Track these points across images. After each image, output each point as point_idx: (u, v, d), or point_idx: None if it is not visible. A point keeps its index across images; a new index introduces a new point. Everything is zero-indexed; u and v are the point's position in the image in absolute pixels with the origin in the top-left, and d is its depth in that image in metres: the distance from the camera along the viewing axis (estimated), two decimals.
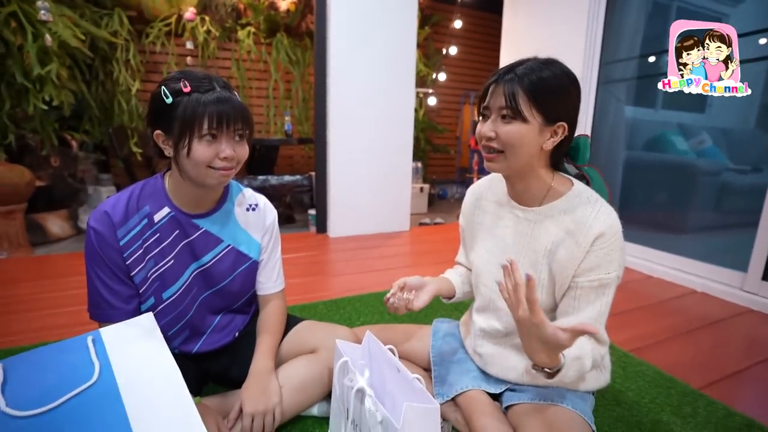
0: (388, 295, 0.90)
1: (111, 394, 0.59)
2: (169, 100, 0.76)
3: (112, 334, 0.69)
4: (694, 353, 1.34)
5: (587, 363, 0.72)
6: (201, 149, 0.77)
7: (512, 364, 0.87)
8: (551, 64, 0.74)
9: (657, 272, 2.12)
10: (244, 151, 0.83)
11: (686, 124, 2.62)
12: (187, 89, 0.76)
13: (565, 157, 0.84)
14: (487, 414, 0.83)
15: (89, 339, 0.66)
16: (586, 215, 0.75)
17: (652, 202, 2.65)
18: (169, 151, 0.81)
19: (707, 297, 1.85)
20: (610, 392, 1.07)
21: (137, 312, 0.87)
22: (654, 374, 1.18)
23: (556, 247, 0.77)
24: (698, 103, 2.63)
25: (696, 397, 1.08)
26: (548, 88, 0.71)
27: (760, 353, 1.35)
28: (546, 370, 0.69)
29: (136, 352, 0.67)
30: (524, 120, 0.72)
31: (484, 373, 0.93)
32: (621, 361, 1.23)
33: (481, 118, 0.80)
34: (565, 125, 0.74)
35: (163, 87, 0.77)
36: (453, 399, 0.91)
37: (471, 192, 0.98)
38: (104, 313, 0.84)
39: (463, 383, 0.91)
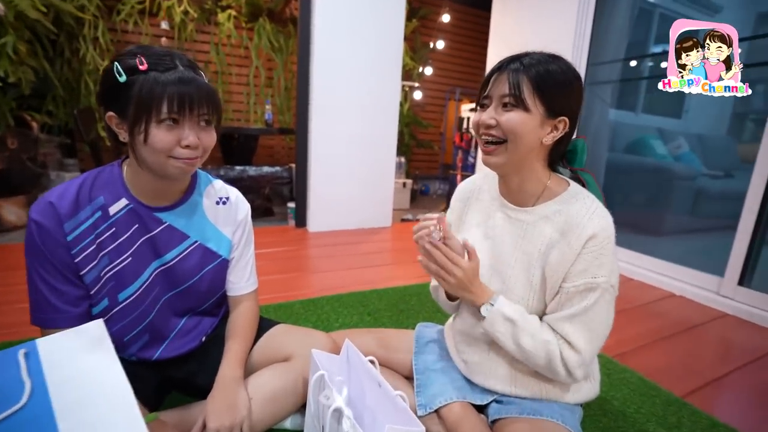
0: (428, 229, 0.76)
1: (44, 419, 0.50)
2: (123, 78, 0.67)
3: (50, 345, 0.59)
4: (675, 359, 1.34)
5: (525, 338, 0.73)
6: (160, 135, 0.68)
7: (499, 374, 0.83)
8: (557, 59, 0.72)
9: (636, 275, 2.14)
10: (210, 138, 0.74)
11: (664, 128, 2.67)
12: (144, 66, 0.67)
13: (561, 159, 0.81)
14: (472, 428, 0.78)
15: (21, 353, 0.56)
16: (580, 215, 0.72)
17: (631, 205, 2.69)
18: (123, 136, 0.71)
19: (685, 300, 1.87)
20: (596, 402, 1.05)
21: (87, 316, 0.77)
22: (638, 381, 1.16)
23: (550, 249, 0.74)
24: (676, 107, 2.68)
25: (680, 406, 1.06)
26: (554, 80, 0.69)
27: (737, 359, 1.37)
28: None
29: (80, 367, 0.58)
30: (526, 109, 0.69)
31: (469, 382, 0.88)
32: (606, 368, 1.21)
33: (479, 108, 0.76)
34: (567, 120, 0.72)
35: (116, 63, 0.68)
36: (436, 411, 0.85)
37: (461, 190, 0.94)
38: (48, 317, 0.74)
39: (447, 394, 0.85)
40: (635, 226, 2.53)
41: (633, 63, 2.54)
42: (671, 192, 2.51)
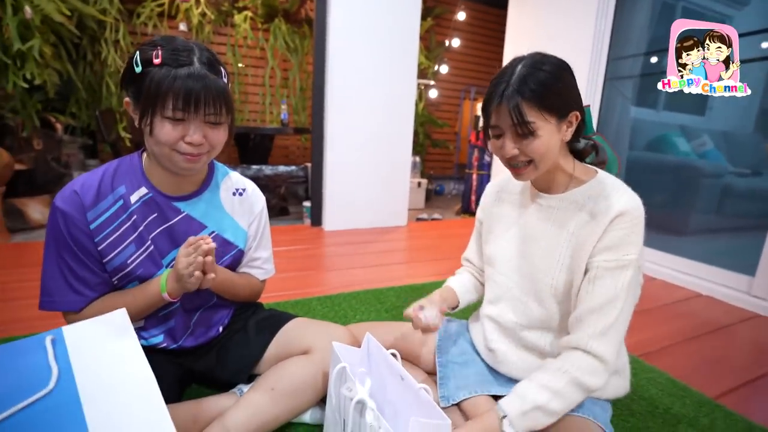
0: (412, 312, 0.84)
1: (70, 405, 0.50)
2: (138, 69, 0.68)
3: (76, 332, 0.60)
4: (705, 359, 1.29)
5: (553, 405, 0.67)
6: (164, 130, 0.68)
7: (527, 365, 0.81)
8: (541, 62, 0.70)
9: (660, 274, 2.07)
10: (218, 137, 0.74)
11: (687, 125, 2.59)
12: (158, 60, 0.67)
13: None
14: None
15: (48, 339, 0.57)
16: (608, 194, 0.73)
17: (654, 203, 2.61)
18: (137, 123, 0.72)
19: (713, 301, 1.80)
20: (623, 401, 1.01)
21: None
22: (666, 382, 1.12)
23: (579, 230, 0.75)
24: (699, 105, 2.59)
25: (713, 407, 1.02)
26: (549, 89, 0.69)
27: None
28: None
29: (104, 354, 0.58)
30: (540, 125, 0.70)
31: (493, 373, 0.87)
32: (632, 367, 1.15)
33: (491, 137, 0.76)
34: (577, 113, 0.74)
35: (137, 52, 0.68)
36: (458, 404, 0.84)
37: (492, 185, 0.97)
38: (67, 300, 0.75)
39: (470, 388, 0.84)
40: (659, 224, 2.46)
41: (654, 59, 2.47)
42: (696, 190, 2.43)
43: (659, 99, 2.60)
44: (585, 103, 0.76)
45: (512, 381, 0.83)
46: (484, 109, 0.75)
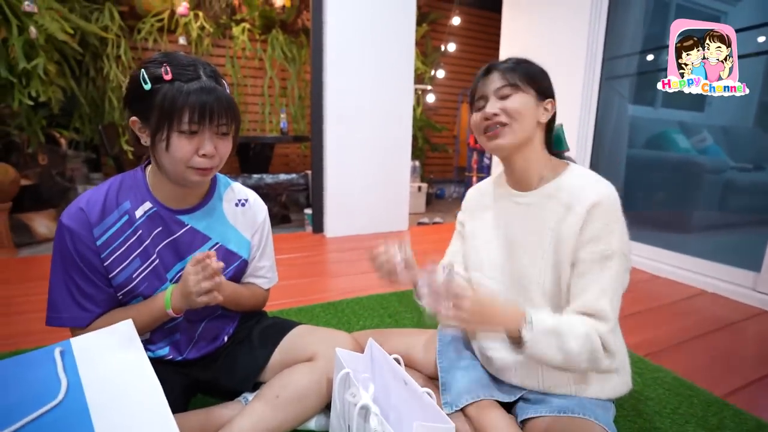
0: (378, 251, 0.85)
1: (79, 415, 0.51)
2: (148, 87, 0.69)
3: (84, 344, 0.61)
4: (712, 358, 1.28)
5: (571, 343, 0.68)
6: (180, 144, 0.70)
7: (526, 370, 0.81)
8: (527, 61, 0.82)
9: (664, 272, 2.06)
10: (226, 148, 0.76)
11: (686, 122, 2.59)
12: (169, 76, 0.69)
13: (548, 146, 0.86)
14: (499, 426, 0.76)
15: (57, 351, 0.58)
16: (580, 185, 0.76)
17: (655, 200, 2.60)
18: (145, 140, 0.73)
19: (718, 297, 1.79)
20: (629, 401, 1.01)
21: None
22: (673, 381, 1.11)
23: (559, 224, 0.76)
24: (698, 101, 2.60)
25: (721, 406, 1.01)
26: (533, 71, 0.80)
27: None
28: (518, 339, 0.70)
29: (112, 365, 0.59)
30: (523, 90, 0.77)
31: (495, 380, 0.86)
32: (637, 367, 1.17)
33: (475, 111, 0.83)
34: (552, 102, 0.80)
35: (142, 70, 0.70)
36: (462, 409, 0.84)
37: (473, 189, 0.99)
38: (73, 317, 0.77)
39: (473, 392, 0.83)
40: (659, 222, 2.45)
41: (650, 57, 2.48)
42: (697, 186, 2.42)
43: (657, 96, 2.61)
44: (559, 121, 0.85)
45: (515, 388, 0.83)
46: (473, 89, 0.83)
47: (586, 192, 0.73)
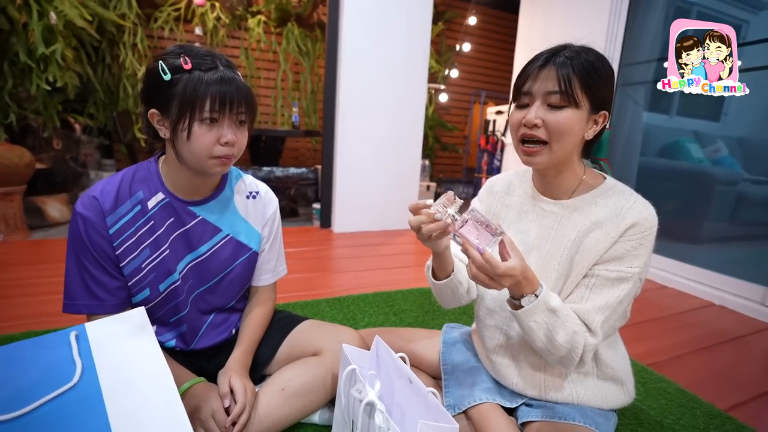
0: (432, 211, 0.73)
1: (93, 399, 0.53)
2: (168, 77, 0.70)
3: (98, 329, 0.62)
4: (716, 371, 1.27)
5: (560, 332, 0.66)
6: (201, 133, 0.71)
7: (530, 377, 0.81)
8: (594, 51, 0.70)
9: (672, 283, 2.05)
10: (244, 138, 0.77)
11: (701, 131, 2.55)
12: (188, 66, 0.70)
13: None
14: (501, 430, 0.76)
15: (72, 335, 0.60)
16: (620, 205, 0.71)
17: (666, 210, 2.57)
18: (165, 133, 0.74)
19: (725, 311, 1.78)
20: (631, 411, 1.01)
21: (124, 305, 0.81)
22: (676, 392, 1.11)
23: (582, 238, 0.73)
24: (714, 111, 2.56)
25: (724, 420, 1.01)
26: (598, 73, 0.68)
27: None
28: (515, 300, 0.67)
29: (124, 351, 0.61)
30: (577, 105, 0.67)
31: (498, 384, 0.86)
32: (640, 376, 1.16)
33: (517, 107, 0.73)
34: (606, 114, 0.71)
35: (161, 62, 0.70)
36: (464, 411, 0.84)
37: (492, 182, 0.91)
38: (87, 304, 0.78)
39: (476, 395, 0.84)
40: (670, 232, 2.42)
41: (666, 64, 2.44)
42: (709, 197, 2.39)
43: (672, 105, 2.57)
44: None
45: (516, 394, 0.83)
46: (521, 74, 0.71)
47: (625, 213, 0.69)
